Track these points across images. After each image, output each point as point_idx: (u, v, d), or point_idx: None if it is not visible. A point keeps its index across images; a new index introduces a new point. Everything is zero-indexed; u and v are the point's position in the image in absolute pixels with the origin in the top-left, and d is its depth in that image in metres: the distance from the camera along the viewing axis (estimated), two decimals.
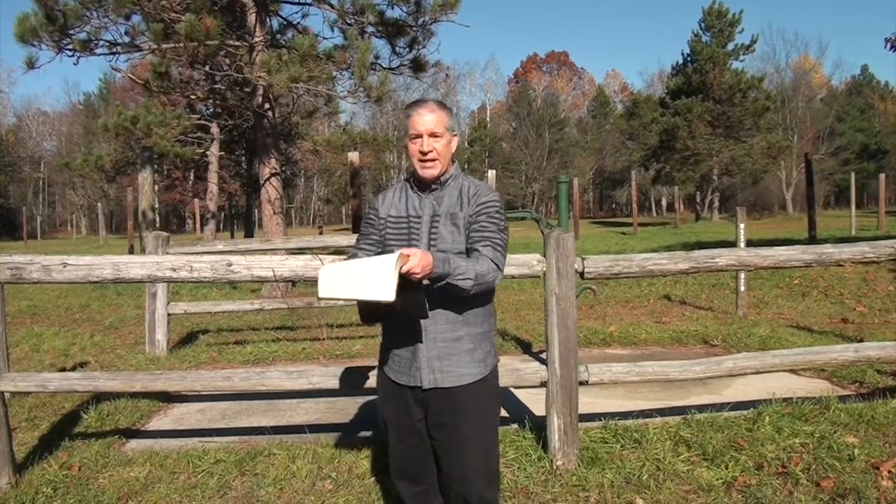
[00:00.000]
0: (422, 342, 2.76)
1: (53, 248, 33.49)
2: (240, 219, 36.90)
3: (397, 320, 2.77)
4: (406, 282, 2.44)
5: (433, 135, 2.79)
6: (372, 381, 4.20)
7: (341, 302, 2.44)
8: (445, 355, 2.77)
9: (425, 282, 2.54)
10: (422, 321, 2.73)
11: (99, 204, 47.37)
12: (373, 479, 4.07)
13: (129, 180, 29.36)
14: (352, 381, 4.24)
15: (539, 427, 4.44)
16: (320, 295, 2.49)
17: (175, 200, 53.46)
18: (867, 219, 30.31)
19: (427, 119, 2.79)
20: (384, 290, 2.36)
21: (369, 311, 2.76)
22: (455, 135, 2.90)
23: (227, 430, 5.16)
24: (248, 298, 11.17)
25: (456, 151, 2.94)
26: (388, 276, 2.36)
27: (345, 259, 2.85)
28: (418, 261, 2.43)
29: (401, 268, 2.40)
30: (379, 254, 2.77)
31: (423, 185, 2.88)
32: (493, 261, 2.71)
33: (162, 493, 3.95)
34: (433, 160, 2.80)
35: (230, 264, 4.07)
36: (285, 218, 13.33)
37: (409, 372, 2.80)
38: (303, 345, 8.04)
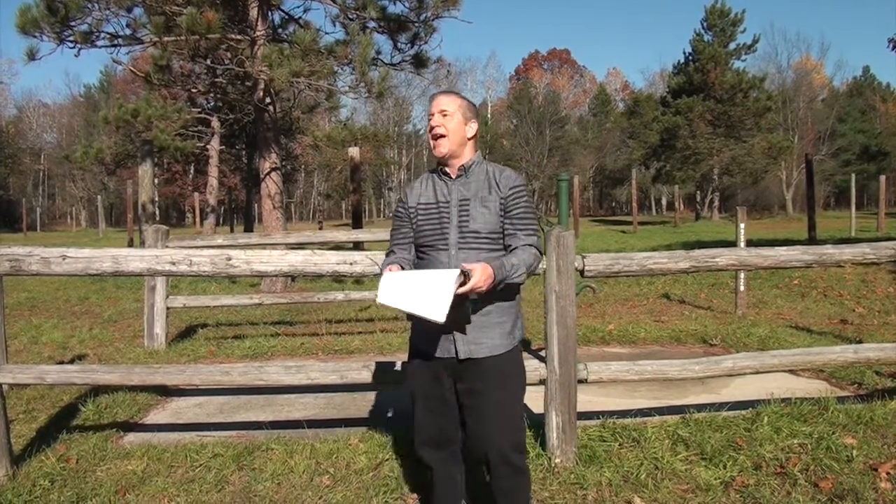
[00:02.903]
0: None
1: (53, 240, 33.45)
2: (240, 213, 36.87)
3: None
4: (458, 297, 2.65)
5: (443, 112, 3.00)
6: (367, 377, 4.21)
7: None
8: (477, 328, 2.94)
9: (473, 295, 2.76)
10: None
11: (99, 196, 47.35)
12: (371, 474, 4.06)
13: (129, 173, 29.43)
14: (350, 376, 4.24)
15: (537, 425, 4.43)
16: (379, 300, 2.72)
17: (175, 194, 53.54)
18: (867, 220, 30.33)
19: (440, 100, 3.04)
20: (438, 312, 2.58)
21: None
22: (472, 120, 3.07)
23: (225, 425, 5.15)
24: (248, 293, 11.16)
25: (475, 138, 3.11)
26: (445, 298, 2.59)
27: (384, 258, 3.16)
28: (480, 277, 2.69)
29: (458, 286, 2.62)
30: (417, 248, 3.07)
31: (448, 172, 3.07)
32: (535, 246, 2.99)
33: (159, 487, 3.94)
34: (441, 136, 3.00)
35: (229, 259, 4.06)
36: (285, 213, 13.31)
37: (443, 344, 2.96)
38: (301, 340, 8.04)
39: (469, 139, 3.06)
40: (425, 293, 2.61)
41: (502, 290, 2.92)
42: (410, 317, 2.80)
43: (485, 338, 2.95)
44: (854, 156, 59.19)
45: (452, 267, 2.85)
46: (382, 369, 4.22)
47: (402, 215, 3.13)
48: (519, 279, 2.88)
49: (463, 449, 3.14)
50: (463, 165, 3.05)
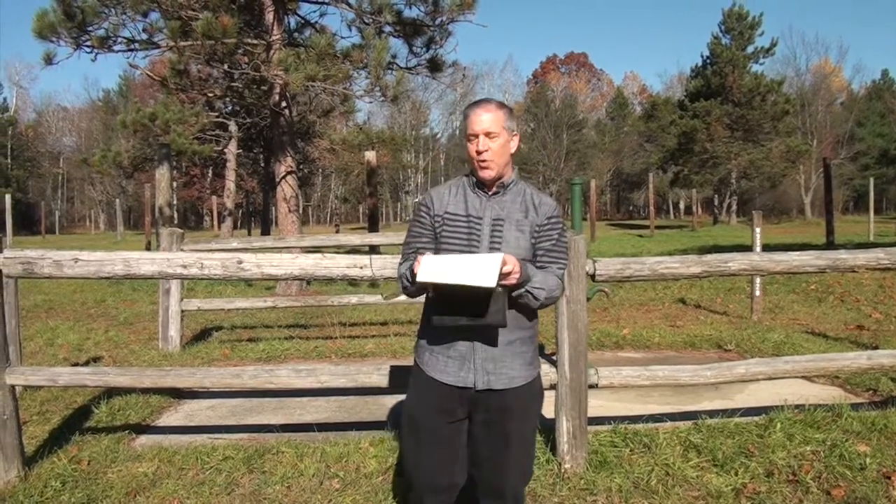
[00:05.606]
0: (477, 343, 2.74)
1: (71, 242, 33.73)
2: (257, 216, 37.09)
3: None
4: (499, 285, 2.53)
5: (488, 134, 2.73)
6: (378, 380, 4.21)
7: (430, 289, 2.64)
8: (499, 357, 2.76)
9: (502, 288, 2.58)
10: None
11: (117, 200, 47.74)
12: (380, 478, 4.06)
13: (148, 177, 29.58)
14: (360, 380, 4.24)
15: (548, 430, 4.42)
16: (419, 279, 2.53)
17: (193, 197, 53.83)
18: (886, 224, 30.09)
19: (483, 119, 2.74)
20: (488, 278, 2.44)
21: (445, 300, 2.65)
22: (515, 134, 2.84)
23: (236, 428, 5.17)
24: (262, 296, 11.20)
25: (515, 152, 2.86)
26: (493, 268, 2.47)
27: (400, 263, 2.90)
28: (513, 264, 2.53)
29: (501, 268, 2.50)
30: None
31: (484, 186, 2.84)
32: (560, 279, 2.82)
33: (170, 489, 3.96)
34: (489, 160, 2.74)
35: (240, 262, 4.07)
36: (302, 216, 13.35)
37: (459, 373, 2.76)
38: (315, 343, 8.05)
39: (511, 155, 2.85)
40: (474, 267, 2.49)
41: (526, 319, 2.80)
42: (434, 316, 2.67)
43: (505, 368, 2.76)
44: (873, 160, 58.63)
45: None
46: (393, 373, 4.22)
47: (424, 222, 2.86)
48: (537, 294, 2.68)
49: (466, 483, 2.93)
50: (502, 182, 2.83)
